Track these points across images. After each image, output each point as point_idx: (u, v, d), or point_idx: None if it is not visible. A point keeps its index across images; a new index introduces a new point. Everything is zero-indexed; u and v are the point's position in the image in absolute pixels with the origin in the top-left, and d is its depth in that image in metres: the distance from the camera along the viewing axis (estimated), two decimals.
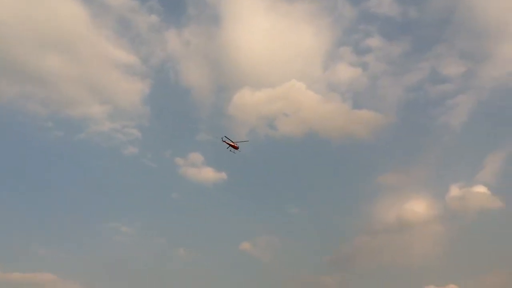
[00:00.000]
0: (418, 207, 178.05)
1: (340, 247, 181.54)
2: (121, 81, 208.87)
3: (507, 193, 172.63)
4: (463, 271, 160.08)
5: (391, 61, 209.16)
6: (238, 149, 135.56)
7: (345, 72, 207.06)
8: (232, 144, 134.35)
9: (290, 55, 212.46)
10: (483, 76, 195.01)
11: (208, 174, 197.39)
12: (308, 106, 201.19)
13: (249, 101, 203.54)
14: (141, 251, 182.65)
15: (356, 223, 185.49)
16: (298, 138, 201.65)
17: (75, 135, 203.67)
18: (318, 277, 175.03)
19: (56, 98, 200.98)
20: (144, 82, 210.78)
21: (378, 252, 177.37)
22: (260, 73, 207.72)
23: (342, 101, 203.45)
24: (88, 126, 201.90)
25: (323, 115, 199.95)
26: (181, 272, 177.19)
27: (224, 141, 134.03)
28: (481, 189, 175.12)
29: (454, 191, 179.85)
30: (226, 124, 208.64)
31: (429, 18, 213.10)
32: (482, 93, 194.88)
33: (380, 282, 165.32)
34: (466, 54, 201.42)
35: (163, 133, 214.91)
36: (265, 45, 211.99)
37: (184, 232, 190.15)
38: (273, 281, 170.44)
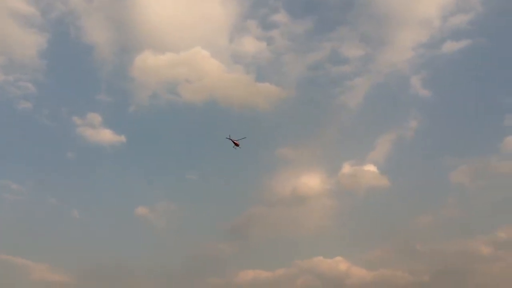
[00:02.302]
0: (312, 181, 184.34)
1: (237, 216, 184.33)
2: (17, 32, 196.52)
3: (393, 173, 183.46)
4: (350, 245, 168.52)
5: (295, 38, 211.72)
6: (239, 146, 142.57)
7: (250, 45, 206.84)
8: (235, 141, 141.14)
9: (196, 22, 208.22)
10: (380, 61, 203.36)
11: (106, 136, 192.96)
12: (212, 74, 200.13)
13: (151, 64, 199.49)
14: (31, 210, 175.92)
15: (254, 193, 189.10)
16: (200, 105, 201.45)
17: None
18: (215, 244, 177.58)
19: None
20: (42, 35, 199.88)
21: (273, 222, 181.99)
22: (164, 36, 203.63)
23: (246, 73, 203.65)
24: None
25: (226, 85, 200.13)
26: (73, 234, 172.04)
27: (230, 139, 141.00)
28: (371, 168, 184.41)
29: (347, 168, 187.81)
30: (127, 86, 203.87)
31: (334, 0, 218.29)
32: (378, 77, 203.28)
33: (274, 251, 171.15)
34: (366, 38, 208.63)
35: (61, 90, 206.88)
36: (171, 9, 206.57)
37: (79, 193, 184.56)
38: (169, 247, 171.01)
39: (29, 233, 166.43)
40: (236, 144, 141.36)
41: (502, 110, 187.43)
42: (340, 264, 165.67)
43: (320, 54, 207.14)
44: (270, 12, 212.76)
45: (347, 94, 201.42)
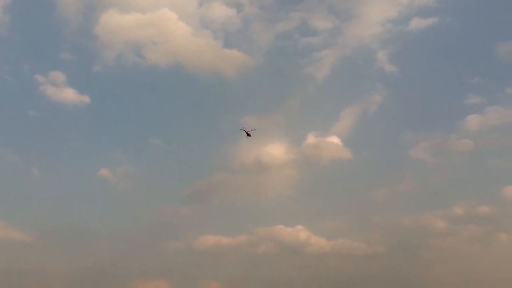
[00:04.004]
0: (276, 151, 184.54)
1: (200, 182, 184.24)
2: None
3: (356, 146, 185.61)
4: (311, 214, 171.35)
5: (265, 6, 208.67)
6: (251, 136, 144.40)
7: (220, 10, 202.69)
8: (248, 132, 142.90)
9: None
10: (348, 34, 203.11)
11: (70, 95, 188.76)
12: (178, 37, 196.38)
13: (117, 24, 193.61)
14: None
15: (217, 160, 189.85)
16: (165, 69, 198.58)
17: None
18: (177, 209, 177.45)
19: None
20: None
21: (236, 189, 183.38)
22: None
23: (214, 39, 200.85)
24: None
25: (193, 49, 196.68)
26: (33, 193, 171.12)
27: (243, 130, 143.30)
28: (334, 139, 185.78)
29: (310, 139, 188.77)
30: (92, 46, 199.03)
31: None
32: (345, 50, 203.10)
33: (236, 218, 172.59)
34: (335, 11, 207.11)
35: (24, 46, 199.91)
36: None
37: (40, 152, 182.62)
38: (131, 209, 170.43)
39: None
40: (248, 134, 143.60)
41: (465, 89, 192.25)
42: (300, 233, 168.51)
43: (289, 24, 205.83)
44: None
45: (314, 65, 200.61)
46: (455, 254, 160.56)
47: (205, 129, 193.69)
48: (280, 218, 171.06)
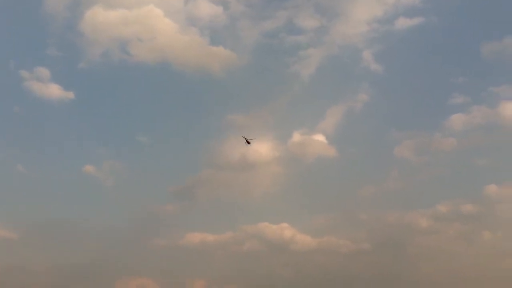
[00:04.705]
0: (262, 148, 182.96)
1: (186, 179, 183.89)
2: None
3: (341, 144, 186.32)
4: (296, 212, 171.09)
5: (251, 4, 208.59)
6: (250, 144, 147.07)
7: (206, 8, 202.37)
8: (248, 140, 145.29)
9: None
10: (334, 33, 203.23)
11: (55, 91, 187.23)
12: (164, 34, 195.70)
13: (102, 20, 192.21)
14: None
15: (203, 158, 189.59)
16: (151, 65, 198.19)
17: None
18: (163, 206, 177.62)
19: None
20: None
21: (222, 187, 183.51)
22: None
23: (200, 36, 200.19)
24: None
25: (179, 46, 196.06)
26: (18, 190, 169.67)
27: (244, 138, 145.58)
28: (320, 137, 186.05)
29: (296, 137, 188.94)
30: (77, 42, 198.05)
31: None
32: (331, 49, 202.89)
33: (221, 215, 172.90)
34: (322, 9, 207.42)
35: (8, 42, 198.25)
36: None
37: (25, 148, 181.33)
38: (116, 206, 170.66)
39: None
40: (248, 142, 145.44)
41: (450, 89, 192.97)
42: (285, 230, 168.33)
43: (276, 22, 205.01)
44: None
45: (301, 64, 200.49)
46: (440, 252, 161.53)
47: (191, 126, 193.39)
48: (265, 216, 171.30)
